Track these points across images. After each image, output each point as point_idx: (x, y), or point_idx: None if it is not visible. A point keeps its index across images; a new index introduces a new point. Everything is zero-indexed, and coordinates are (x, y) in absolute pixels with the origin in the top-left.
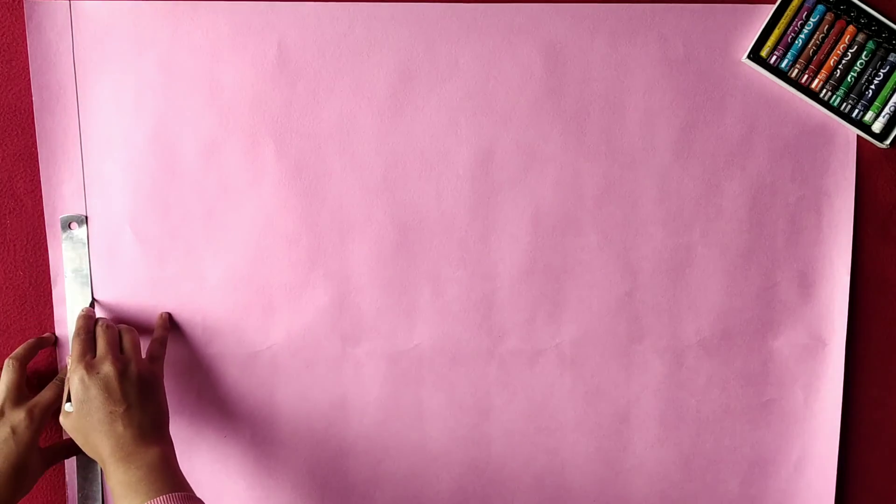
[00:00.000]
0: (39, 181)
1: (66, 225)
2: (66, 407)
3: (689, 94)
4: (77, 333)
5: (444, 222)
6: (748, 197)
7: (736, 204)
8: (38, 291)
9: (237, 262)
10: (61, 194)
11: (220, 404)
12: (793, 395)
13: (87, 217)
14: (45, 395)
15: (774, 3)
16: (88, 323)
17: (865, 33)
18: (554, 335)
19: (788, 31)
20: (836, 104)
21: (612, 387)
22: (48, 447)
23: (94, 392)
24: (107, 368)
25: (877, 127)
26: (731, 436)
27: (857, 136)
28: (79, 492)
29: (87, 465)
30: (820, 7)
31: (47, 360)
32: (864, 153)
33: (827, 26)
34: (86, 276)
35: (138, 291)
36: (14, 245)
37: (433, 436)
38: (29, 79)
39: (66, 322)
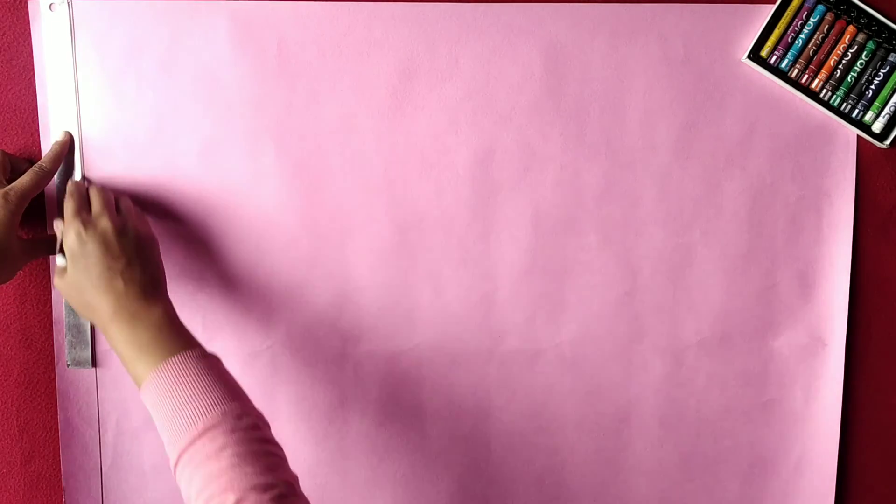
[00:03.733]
0: None
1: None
2: (59, 261)
3: (689, 94)
4: (70, 194)
5: (444, 222)
6: (748, 197)
7: (736, 204)
8: (38, 290)
9: (237, 262)
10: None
11: None
12: (793, 395)
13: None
14: (23, 180)
15: (774, 3)
16: (81, 187)
17: (865, 33)
18: (554, 335)
19: (788, 31)
20: (836, 104)
21: (612, 387)
22: (31, 238)
23: (92, 247)
24: (105, 223)
25: (877, 127)
26: (731, 436)
27: (857, 136)
28: (67, 335)
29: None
30: (820, 7)
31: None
32: (864, 153)
33: (827, 26)
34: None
35: None
36: None
37: (433, 436)
38: (31, 78)
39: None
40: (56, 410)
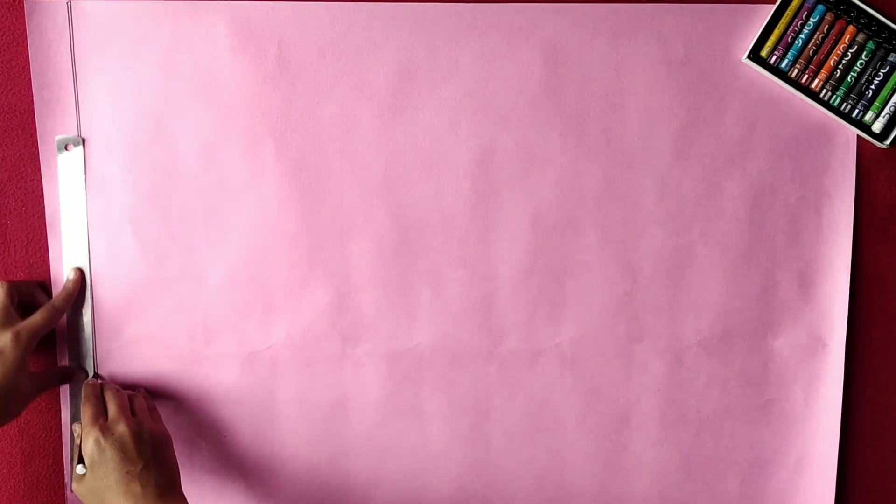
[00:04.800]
0: (41, 181)
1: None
2: (79, 469)
3: (689, 94)
4: (86, 399)
5: (444, 222)
6: (748, 197)
7: (736, 204)
8: None
9: (237, 262)
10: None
11: (220, 404)
12: (793, 395)
13: (87, 209)
14: (35, 318)
15: (774, 3)
16: (96, 389)
17: (865, 33)
18: (554, 335)
19: (788, 31)
20: (836, 104)
21: (612, 387)
22: (39, 373)
23: (110, 453)
24: (122, 429)
25: (877, 127)
26: (731, 436)
27: (857, 136)
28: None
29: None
30: (820, 7)
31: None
32: (864, 153)
33: (827, 26)
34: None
35: (138, 291)
36: (15, 246)
37: (433, 436)
38: (29, 78)
39: (62, 266)
40: (56, 410)
